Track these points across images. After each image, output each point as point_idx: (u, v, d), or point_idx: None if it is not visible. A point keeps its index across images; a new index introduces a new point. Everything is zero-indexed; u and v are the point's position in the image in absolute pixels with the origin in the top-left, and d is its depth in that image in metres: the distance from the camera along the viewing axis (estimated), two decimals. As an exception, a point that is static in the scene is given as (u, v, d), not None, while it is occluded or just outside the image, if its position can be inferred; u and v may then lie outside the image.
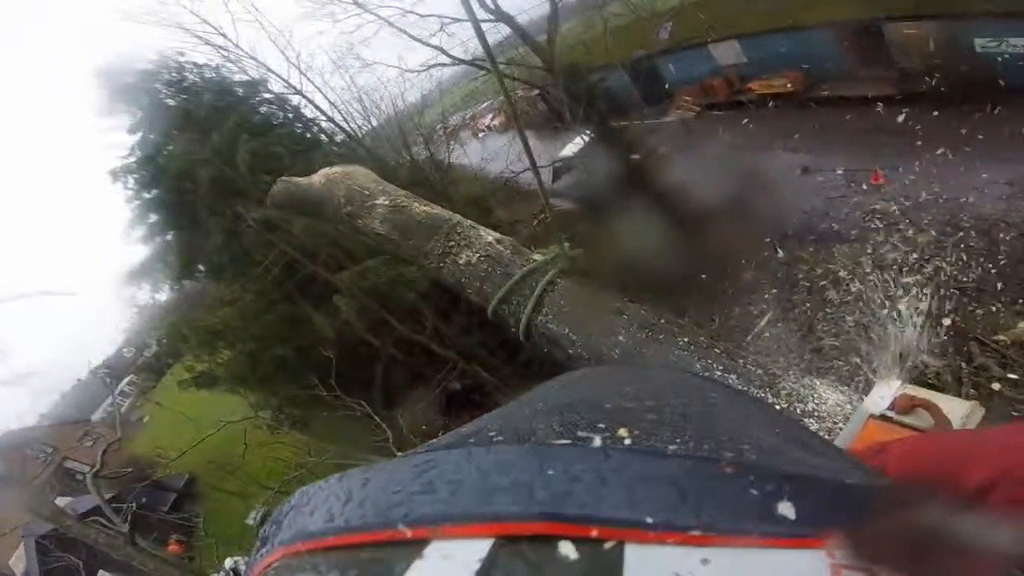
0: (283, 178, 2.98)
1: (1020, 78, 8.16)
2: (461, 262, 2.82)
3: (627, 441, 0.36)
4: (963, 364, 5.27)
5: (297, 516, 0.34)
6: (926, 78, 9.19)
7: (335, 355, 7.91)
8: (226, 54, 10.43)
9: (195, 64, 9.87)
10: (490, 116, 20.99)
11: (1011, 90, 8.14)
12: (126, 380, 21.25)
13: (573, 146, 12.64)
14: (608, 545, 0.27)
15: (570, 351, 2.48)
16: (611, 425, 0.38)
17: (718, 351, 1.85)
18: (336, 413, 7.86)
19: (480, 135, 19.88)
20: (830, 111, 10.69)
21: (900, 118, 9.13)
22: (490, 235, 2.99)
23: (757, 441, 0.41)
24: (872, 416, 0.94)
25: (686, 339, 1.93)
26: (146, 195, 8.91)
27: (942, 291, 6.23)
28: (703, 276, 7.17)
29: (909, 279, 6.63)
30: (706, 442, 0.38)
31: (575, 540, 0.28)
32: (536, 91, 13.25)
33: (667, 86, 14.49)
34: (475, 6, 8.98)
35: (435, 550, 0.28)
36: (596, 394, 0.53)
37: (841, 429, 1.34)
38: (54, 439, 16.62)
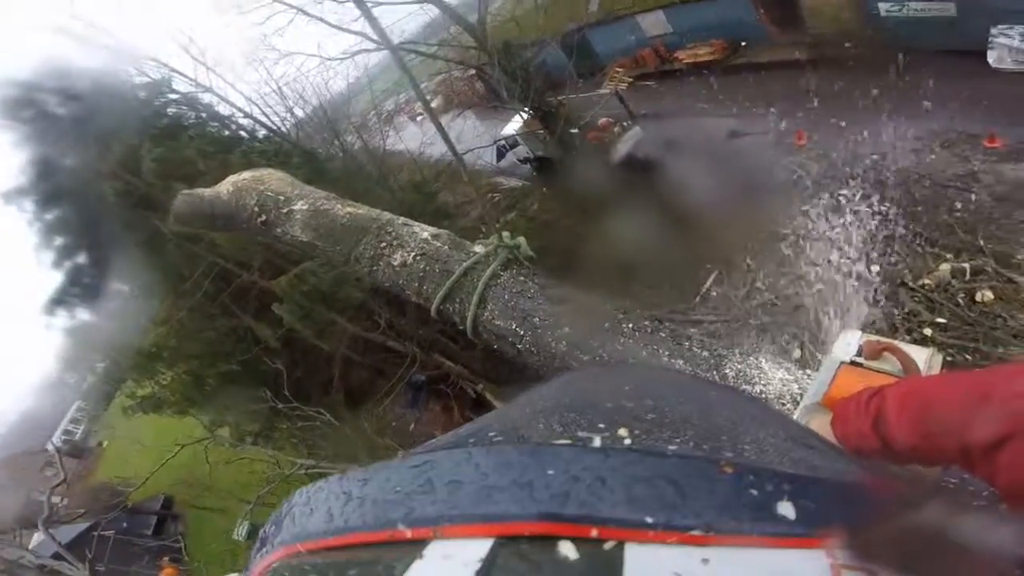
0: (184, 191, 2.66)
1: (921, 40, 8.64)
2: (396, 263, 2.64)
3: (627, 441, 0.37)
4: (895, 311, 5.57)
5: (297, 516, 0.34)
6: (838, 42, 9.60)
7: (286, 365, 7.57)
8: (122, 57, 9.51)
9: (86, 69, 8.94)
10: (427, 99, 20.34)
11: (913, 51, 8.61)
12: (74, 407, 20.18)
13: (514, 124, 12.48)
14: (608, 545, 0.27)
15: (518, 346, 2.39)
16: (611, 425, 0.38)
17: (663, 335, 1.81)
18: (296, 424, 7.59)
19: (418, 119, 19.26)
20: (754, 77, 11.03)
21: (817, 81, 9.52)
22: (425, 231, 2.81)
23: (757, 441, 0.41)
24: (843, 363, 0.92)
25: (631, 326, 1.87)
26: (47, 216, 8.05)
27: (868, 240, 6.62)
28: (647, 244, 7.32)
29: (837, 231, 6.99)
30: (706, 442, 0.38)
31: (575, 540, 0.28)
32: (472, 71, 12.90)
33: (599, 58, 14.49)
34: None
35: (435, 550, 0.28)
36: (596, 394, 0.53)
37: (790, 410, 1.32)
38: (12, 471, 15.38)
